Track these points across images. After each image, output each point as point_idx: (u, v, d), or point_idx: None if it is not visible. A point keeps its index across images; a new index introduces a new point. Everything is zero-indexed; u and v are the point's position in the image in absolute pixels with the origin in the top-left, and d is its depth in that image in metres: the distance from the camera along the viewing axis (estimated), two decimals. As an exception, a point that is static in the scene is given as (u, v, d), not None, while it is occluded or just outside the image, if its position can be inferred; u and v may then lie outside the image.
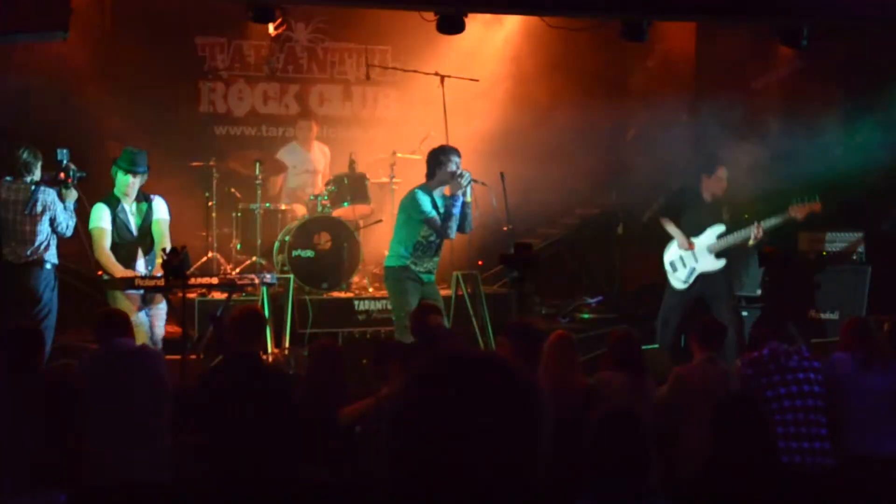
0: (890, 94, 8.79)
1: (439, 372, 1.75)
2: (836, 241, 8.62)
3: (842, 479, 5.12)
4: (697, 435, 5.00)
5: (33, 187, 6.62)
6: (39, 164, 6.75)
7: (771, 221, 7.47)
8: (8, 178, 6.72)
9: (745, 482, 3.97)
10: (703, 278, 7.65)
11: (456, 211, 6.89)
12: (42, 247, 6.65)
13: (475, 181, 7.09)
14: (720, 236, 7.62)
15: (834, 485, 5.08)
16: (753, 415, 4.16)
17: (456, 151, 7.05)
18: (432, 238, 6.97)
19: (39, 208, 6.60)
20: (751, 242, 7.49)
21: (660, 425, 5.15)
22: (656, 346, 7.62)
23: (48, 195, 6.63)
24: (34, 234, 6.62)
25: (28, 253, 6.60)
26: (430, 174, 7.00)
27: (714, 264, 7.62)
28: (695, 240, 7.68)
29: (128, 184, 6.80)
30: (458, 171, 6.90)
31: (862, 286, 8.31)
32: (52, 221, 6.65)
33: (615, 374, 5.25)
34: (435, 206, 6.95)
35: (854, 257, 8.51)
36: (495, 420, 1.68)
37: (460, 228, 7.06)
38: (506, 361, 1.78)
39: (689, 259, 7.69)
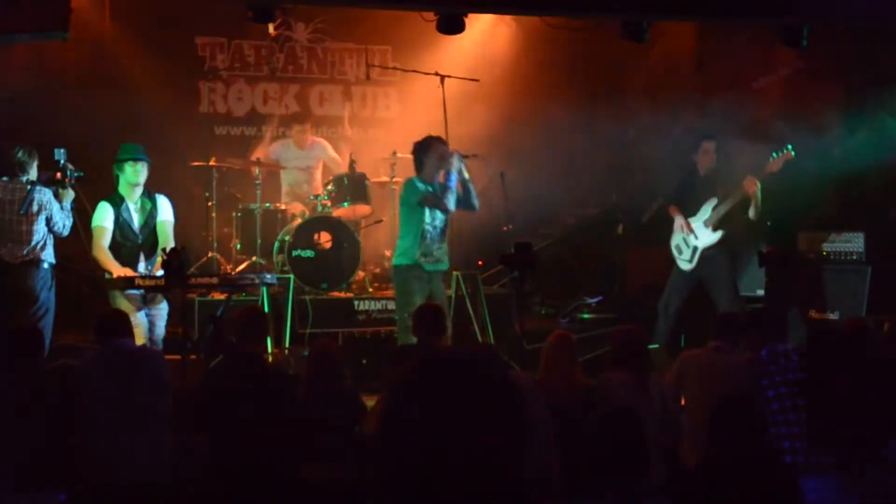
0: (891, 93, 8.79)
1: (424, 374, 1.76)
2: (837, 241, 8.63)
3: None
4: (699, 420, 5.02)
5: (29, 187, 6.63)
6: (35, 164, 6.76)
7: (755, 177, 7.60)
8: (4, 178, 6.73)
9: (747, 482, 3.97)
10: (705, 259, 7.79)
11: (451, 185, 6.96)
12: (38, 246, 6.66)
13: (466, 156, 7.17)
14: (714, 208, 7.78)
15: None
16: (753, 416, 4.16)
17: (439, 139, 7.17)
18: (437, 223, 7.04)
19: (35, 208, 6.62)
20: (751, 212, 7.60)
21: (664, 412, 5.16)
22: (657, 345, 7.63)
23: (44, 195, 6.64)
24: (30, 233, 6.63)
25: (24, 252, 6.61)
26: (419, 165, 7.10)
27: (712, 237, 7.77)
28: (693, 219, 7.85)
29: (138, 172, 6.78)
30: (447, 154, 7.01)
31: (862, 286, 8.30)
32: (49, 221, 6.67)
33: (618, 374, 5.23)
34: (433, 189, 7.05)
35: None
36: (480, 418, 1.69)
37: (469, 206, 7.18)
38: (489, 361, 1.80)
39: (690, 239, 7.86)
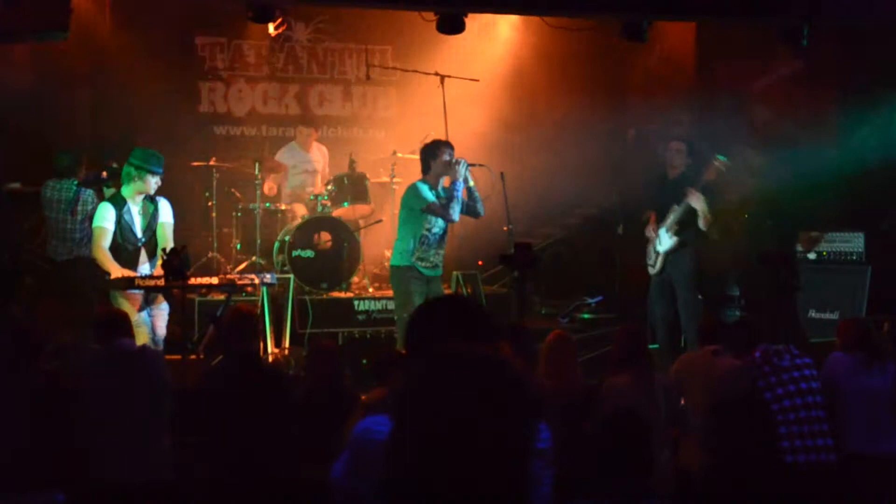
0: (889, 93, 8.79)
1: (434, 371, 1.76)
2: (836, 241, 8.64)
3: (841, 479, 5.12)
4: (699, 422, 5.03)
5: (75, 188, 7.24)
6: (82, 167, 7.36)
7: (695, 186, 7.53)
8: (51, 181, 7.35)
9: (749, 482, 3.98)
10: (669, 262, 7.74)
11: (457, 194, 6.93)
12: (82, 244, 7.21)
13: (473, 165, 7.14)
14: (674, 213, 7.72)
15: (836, 483, 5.09)
16: (755, 416, 4.16)
17: (447, 143, 7.14)
18: (436, 230, 7.01)
19: (80, 208, 7.21)
20: (700, 219, 7.49)
21: (667, 412, 5.17)
22: (656, 346, 7.62)
23: (88, 195, 7.21)
24: (74, 231, 7.21)
25: (69, 249, 7.17)
26: (426, 168, 7.07)
27: (670, 242, 7.70)
28: (660, 224, 7.78)
29: (156, 185, 6.82)
30: (454, 160, 6.97)
31: (862, 286, 8.31)
32: (91, 220, 7.08)
33: (621, 377, 5.21)
34: (437, 197, 7.00)
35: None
36: (489, 416, 1.69)
37: (474, 213, 7.16)
38: (500, 359, 1.79)
39: (656, 244, 7.82)
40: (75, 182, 7.27)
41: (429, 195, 6.94)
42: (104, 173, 7.15)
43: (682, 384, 5.39)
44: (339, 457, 3.08)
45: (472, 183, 7.09)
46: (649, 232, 7.83)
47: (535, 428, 1.78)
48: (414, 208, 6.96)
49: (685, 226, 7.65)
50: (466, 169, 7.01)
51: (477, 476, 1.69)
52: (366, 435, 2.85)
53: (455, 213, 6.96)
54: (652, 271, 7.87)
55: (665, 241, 7.74)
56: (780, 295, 8.30)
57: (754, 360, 5.33)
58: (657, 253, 7.82)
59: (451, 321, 2.51)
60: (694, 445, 5.13)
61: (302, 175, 9.43)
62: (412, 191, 7.00)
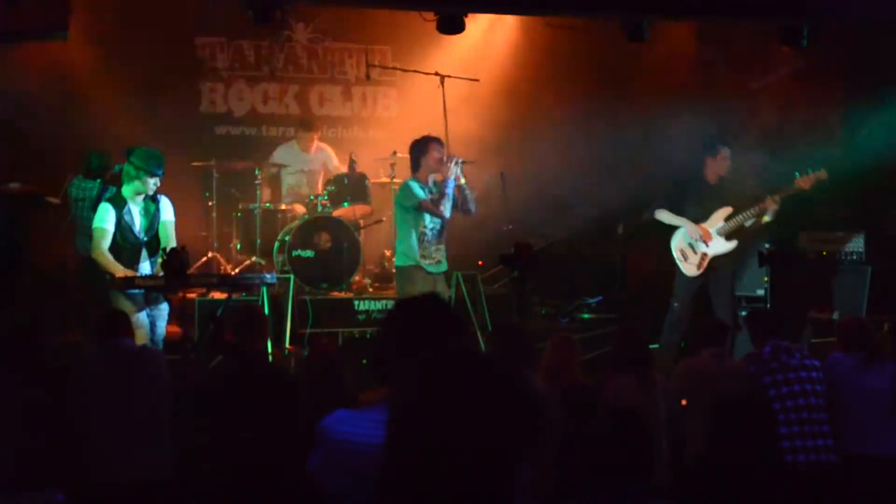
0: (890, 93, 8.79)
1: (436, 373, 1.75)
2: (836, 241, 8.64)
3: (841, 479, 5.13)
4: (703, 424, 5.03)
5: (98, 187, 7.41)
6: (107, 167, 7.52)
7: (780, 193, 7.45)
8: (77, 179, 7.54)
9: (749, 482, 3.98)
10: (712, 267, 7.62)
11: (448, 191, 6.94)
12: None
13: (464, 162, 7.15)
14: (728, 218, 7.61)
15: (835, 484, 5.10)
16: (757, 416, 4.16)
17: (436, 139, 7.16)
18: (433, 226, 7.03)
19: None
20: (766, 218, 7.48)
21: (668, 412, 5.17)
22: (656, 346, 7.60)
23: (109, 193, 7.12)
24: None
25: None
26: (416, 166, 7.09)
27: (725, 246, 7.60)
28: (704, 225, 7.65)
29: (155, 186, 6.81)
30: (445, 158, 6.99)
31: (862, 286, 8.31)
32: None
33: (621, 377, 5.21)
34: (430, 194, 7.03)
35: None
36: (490, 419, 1.69)
37: (465, 210, 7.16)
38: (503, 363, 1.79)
39: (699, 245, 7.65)
40: (99, 181, 7.47)
41: (420, 192, 6.97)
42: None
43: (686, 386, 5.38)
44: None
45: (463, 180, 7.11)
46: (692, 230, 7.63)
47: (530, 429, 1.78)
48: (407, 207, 7.00)
49: (739, 233, 7.61)
50: (458, 165, 7.03)
51: (473, 478, 1.68)
52: (325, 432, 2.88)
53: (447, 209, 6.99)
54: (691, 272, 7.66)
55: (718, 244, 7.60)
56: (779, 294, 8.32)
57: (762, 355, 5.33)
58: (702, 255, 7.63)
59: (425, 322, 2.55)
60: (695, 446, 5.13)
61: (297, 175, 9.43)
62: (404, 189, 7.07)
